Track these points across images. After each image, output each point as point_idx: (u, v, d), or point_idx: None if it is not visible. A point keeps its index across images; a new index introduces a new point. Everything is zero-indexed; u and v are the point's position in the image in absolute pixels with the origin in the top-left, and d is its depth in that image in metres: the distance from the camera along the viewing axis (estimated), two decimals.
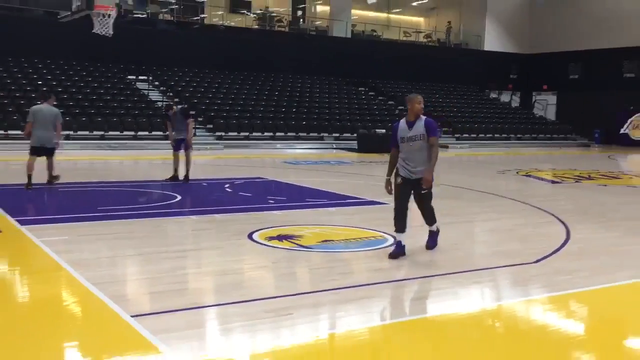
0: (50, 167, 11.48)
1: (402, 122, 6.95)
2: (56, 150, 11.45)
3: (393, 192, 6.91)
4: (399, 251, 6.83)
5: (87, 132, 21.71)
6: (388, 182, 6.94)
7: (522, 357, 4.37)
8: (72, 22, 16.22)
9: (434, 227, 7.32)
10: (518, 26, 38.34)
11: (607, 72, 34.72)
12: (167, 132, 13.31)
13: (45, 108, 11.30)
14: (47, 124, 11.17)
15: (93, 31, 13.88)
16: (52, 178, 11.55)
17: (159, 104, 25.48)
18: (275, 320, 4.84)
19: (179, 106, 13.07)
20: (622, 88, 33.99)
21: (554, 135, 33.51)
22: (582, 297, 5.79)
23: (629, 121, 33.97)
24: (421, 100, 6.92)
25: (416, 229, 7.50)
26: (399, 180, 6.87)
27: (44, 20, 24.06)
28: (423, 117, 6.86)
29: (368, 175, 15.67)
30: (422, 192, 6.88)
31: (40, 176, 11.45)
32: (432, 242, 7.31)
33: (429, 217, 7.23)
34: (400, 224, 6.85)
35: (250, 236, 7.82)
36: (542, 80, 38.10)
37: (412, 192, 6.95)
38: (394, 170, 6.95)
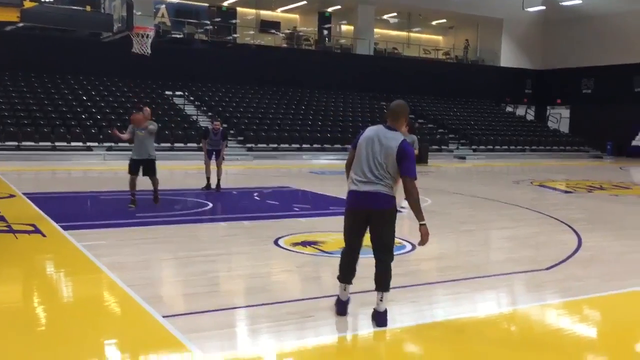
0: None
1: None
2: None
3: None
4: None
5: (127, 144, 21.94)
6: None
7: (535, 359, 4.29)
8: (113, 42, 16.49)
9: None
10: (532, 43, 37.99)
11: (618, 87, 34.18)
12: (201, 145, 13.37)
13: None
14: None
15: (132, 51, 14.05)
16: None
17: (194, 117, 25.70)
18: (299, 321, 4.82)
19: (222, 127, 13.21)
20: (633, 102, 33.43)
21: (567, 147, 33.03)
22: (594, 303, 5.67)
23: None
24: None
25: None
26: None
27: (88, 40, 24.47)
28: None
29: None
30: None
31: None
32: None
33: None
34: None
35: (276, 242, 7.81)
36: (556, 95, 37.67)
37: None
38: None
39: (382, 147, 4.70)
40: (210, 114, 26.45)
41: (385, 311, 4.76)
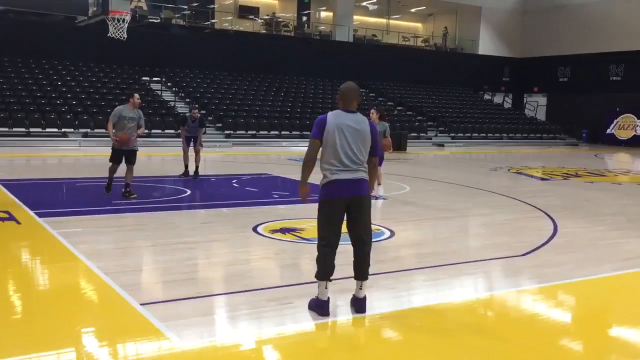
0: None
1: None
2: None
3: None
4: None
5: (103, 130, 21.69)
6: None
7: (512, 344, 4.34)
8: (89, 26, 16.21)
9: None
10: (511, 31, 38.20)
11: (595, 76, 34.59)
12: (179, 131, 13.25)
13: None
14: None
15: (108, 35, 13.83)
16: None
17: (172, 104, 25.44)
18: (278, 308, 4.82)
19: (200, 114, 13.12)
20: (609, 90, 33.88)
21: (543, 135, 33.39)
22: (569, 289, 5.75)
23: (615, 122, 33.84)
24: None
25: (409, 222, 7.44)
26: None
27: (63, 24, 24.03)
28: None
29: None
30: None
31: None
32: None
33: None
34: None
35: (255, 229, 7.79)
36: (533, 83, 38.01)
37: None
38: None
39: (357, 134, 4.69)
40: (188, 100, 26.21)
41: (365, 298, 4.78)
